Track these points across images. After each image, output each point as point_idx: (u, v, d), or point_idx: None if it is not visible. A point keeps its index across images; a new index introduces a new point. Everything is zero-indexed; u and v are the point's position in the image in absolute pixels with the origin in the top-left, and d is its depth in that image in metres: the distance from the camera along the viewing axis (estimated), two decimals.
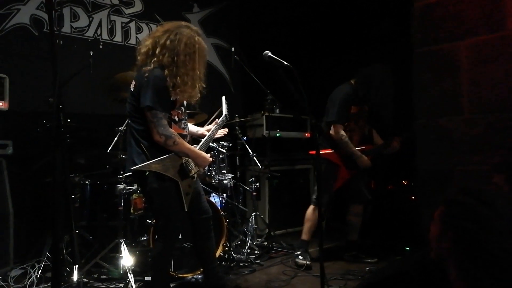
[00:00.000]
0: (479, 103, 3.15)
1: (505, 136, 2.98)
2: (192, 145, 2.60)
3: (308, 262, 3.43)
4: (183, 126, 2.57)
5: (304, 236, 3.59)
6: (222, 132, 3.04)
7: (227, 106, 3.10)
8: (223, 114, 3.02)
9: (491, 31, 3.07)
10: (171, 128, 2.41)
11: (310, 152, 3.47)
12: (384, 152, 3.65)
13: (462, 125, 3.24)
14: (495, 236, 1.04)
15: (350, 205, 3.68)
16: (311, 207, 3.61)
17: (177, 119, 2.51)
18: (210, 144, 3.22)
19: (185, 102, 2.60)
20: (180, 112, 2.54)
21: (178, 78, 2.36)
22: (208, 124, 3.08)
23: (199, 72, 2.46)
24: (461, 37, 3.23)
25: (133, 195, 3.25)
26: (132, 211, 3.23)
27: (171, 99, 2.43)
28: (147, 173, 2.37)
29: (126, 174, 3.25)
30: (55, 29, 1.86)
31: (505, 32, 3.00)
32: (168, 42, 2.38)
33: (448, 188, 3.08)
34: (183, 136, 2.51)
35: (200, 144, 2.71)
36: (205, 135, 2.84)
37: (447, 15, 3.30)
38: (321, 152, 3.44)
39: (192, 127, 2.91)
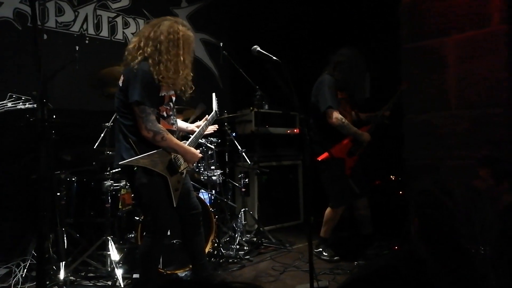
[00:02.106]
0: (465, 98, 3.18)
1: (490, 131, 3.02)
2: (181, 141, 2.58)
3: (336, 257, 3.51)
4: (172, 122, 2.55)
5: (325, 235, 3.60)
6: (212, 129, 3.02)
7: (218, 103, 3.08)
8: (213, 111, 3.01)
9: (477, 28, 3.10)
10: (159, 123, 2.39)
11: (319, 158, 3.47)
12: (382, 121, 3.70)
13: (449, 120, 3.27)
14: (451, 221, 1.10)
15: (355, 201, 3.68)
16: (328, 209, 3.59)
17: (165, 114, 2.49)
18: (199, 140, 3.20)
19: (173, 98, 2.58)
20: (168, 108, 2.52)
21: (160, 65, 2.35)
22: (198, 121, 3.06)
23: (184, 59, 2.43)
24: (448, 33, 3.25)
25: (121, 191, 3.22)
26: (120, 206, 3.20)
27: (160, 94, 2.42)
28: (136, 168, 2.35)
29: (114, 171, 3.22)
30: (39, 23, 1.83)
31: (491, 28, 3.04)
32: (152, 34, 2.39)
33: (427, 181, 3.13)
34: (172, 132, 2.50)
35: (190, 140, 2.69)
36: (195, 131, 2.82)
37: (434, 11, 3.32)
38: (323, 156, 3.46)
39: (181, 123, 2.89)
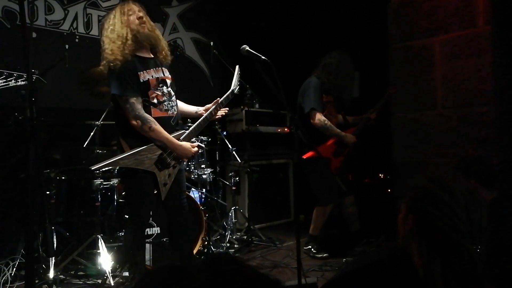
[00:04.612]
0: (452, 97, 3.24)
1: (476, 130, 3.08)
2: (183, 128, 2.51)
3: (325, 254, 3.53)
4: (165, 108, 2.41)
5: (314, 232, 3.63)
6: (222, 112, 2.67)
7: (239, 78, 2.70)
8: (231, 89, 2.65)
9: (463, 28, 3.16)
10: (150, 111, 2.34)
11: (304, 156, 3.49)
12: (367, 125, 3.72)
13: (436, 119, 3.33)
14: (452, 219, 1.12)
15: (341, 199, 3.71)
16: (317, 207, 3.61)
17: (156, 101, 2.38)
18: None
19: (168, 81, 2.46)
20: (160, 93, 2.39)
21: (121, 52, 2.30)
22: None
23: (121, 20, 2.37)
24: (435, 33, 3.31)
25: (117, 180, 3.24)
26: (116, 196, 3.24)
27: (142, 80, 2.34)
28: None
29: (103, 169, 3.22)
30: (27, 21, 1.83)
31: (476, 29, 3.10)
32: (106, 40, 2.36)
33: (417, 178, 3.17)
34: (167, 118, 2.41)
35: (189, 130, 2.50)
36: (203, 115, 2.57)
37: (422, 12, 3.37)
38: (308, 155, 3.48)
39: (188, 107, 2.70)
